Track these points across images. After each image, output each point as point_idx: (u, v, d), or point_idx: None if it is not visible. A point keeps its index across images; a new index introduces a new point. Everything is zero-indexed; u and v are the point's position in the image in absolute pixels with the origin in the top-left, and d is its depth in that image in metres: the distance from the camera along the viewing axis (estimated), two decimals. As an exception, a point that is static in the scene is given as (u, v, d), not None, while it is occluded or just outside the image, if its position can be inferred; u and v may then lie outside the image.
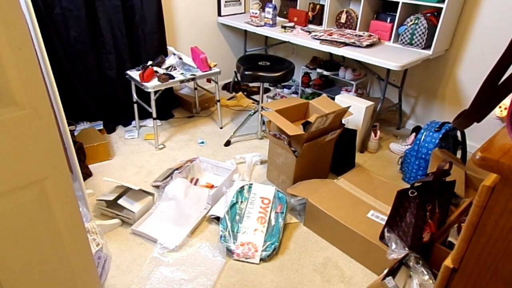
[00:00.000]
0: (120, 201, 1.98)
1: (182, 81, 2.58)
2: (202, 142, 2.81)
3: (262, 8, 3.31)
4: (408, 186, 1.52)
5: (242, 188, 2.06)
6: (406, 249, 1.52)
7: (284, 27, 3.09)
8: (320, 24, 3.16)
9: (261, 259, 1.79)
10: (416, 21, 2.48)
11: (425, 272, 1.46)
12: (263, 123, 2.91)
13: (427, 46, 2.52)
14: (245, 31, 3.66)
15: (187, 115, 3.23)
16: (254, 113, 2.97)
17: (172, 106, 3.29)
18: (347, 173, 2.18)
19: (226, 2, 3.47)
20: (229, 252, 1.81)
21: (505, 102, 2.45)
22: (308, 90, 3.44)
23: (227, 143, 2.80)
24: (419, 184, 1.52)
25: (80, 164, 2.21)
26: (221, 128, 3.04)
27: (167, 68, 2.68)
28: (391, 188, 2.03)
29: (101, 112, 2.85)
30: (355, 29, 2.89)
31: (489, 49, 2.49)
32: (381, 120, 3.20)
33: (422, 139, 2.26)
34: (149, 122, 3.05)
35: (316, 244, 1.91)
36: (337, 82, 3.49)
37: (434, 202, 1.57)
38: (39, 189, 0.88)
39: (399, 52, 2.53)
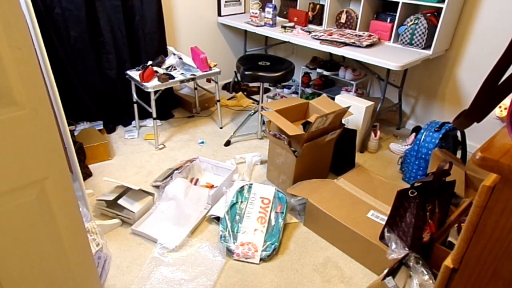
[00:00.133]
0: (120, 201, 1.98)
1: (182, 81, 2.58)
2: (202, 142, 2.81)
3: (262, 8, 3.31)
4: (408, 186, 1.52)
5: (242, 188, 2.06)
6: (406, 249, 1.52)
7: (284, 27, 3.09)
8: (320, 24, 3.16)
9: (261, 259, 1.79)
10: (416, 21, 2.48)
11: (425, 272, 1.46)
12: (263, 123, 2.91)
13: (427, 46, 2.52)
14: (245, 31, 3.66)
15: (187, 115, 3.23)
16: (254, 113, 2.97)
17: (172, 106, 3.29)
18: (347, 173, 2.18)
19: (226, 2, 3.47)
20: (229, 252, 1.81)
21: (505, 102, 2.45)
22: (308, 90, 3.44)
23: (227, 143, 2.80)
24: (419, 184, 1.52)
25: (80, 164, 2.21)
26: (221, 128, 3.04)
27: (167, 68, 2.68)
28: (391, 188, 2.03)
29: (101, 112, 2.85)
30: (355, 29, 2.89)
31: (489, 49, 2.49)
32: (381, 120, 3.20)
33: (422, 139, 2.26)
34: (149, 122, 3.05)
35: (316, 244, 1.91)
36: (337, 82, 3.49)
37: (434, 202, 1.57)
38: (39, 189, 0.88)
39: (399, 52, 2.53)
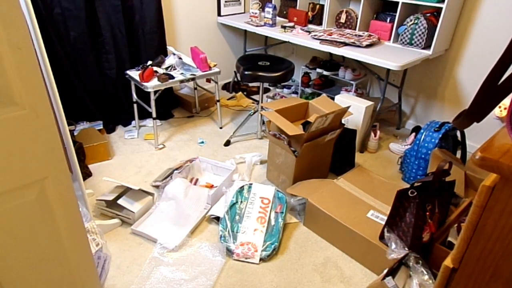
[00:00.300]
0: (120, 201, 1.98)
1: (182, 81, 2.58)
2: (202, 142, 2.81)
3: (262, 8, 3.31)
4: (408, 186, 1.53)
5: (242, 188, 2.06)
6: (406, 249, 1.52)
7: (284, 27, 3.09)
8: (320, 24, 3.16)
9: (261, 259, 1.79)
10: (416, 21, 2.48)
11: (425, 272, 1.46)
12: (263, 123, 2.91)
13: (427, 46, 2.52)
14: (245, 31, 3.66)
15: (187, 115, 3.23)
16: (254, 113, 2.97)
17: (172, 106, 3.29)
18: (347, 173, 2.18)
19: (226, 2, 3.47)
20: (229, 252, 1.81)
21: (505, 102, 2.45)
22: (308, 90, 3.44)
23: (227, 143, 2.80)
24: (419, 184, 1.52)
25: (80, 164, 2.21)
26: (221, 128, 3.04)
27: (167, 68, 2.68)
28: (390, 188, 2.03)
29: (101, 112, 2.85)
30: (355, 29, 2.89)
31: (489, 49, 2.49)
32: (381, 120, 3.20)
33: (421, 139, 2.26)
34: (149, 122, 3.05)
35: (316, 244, 1.91)
36: (337, 82, 3.49)
37: (434, 202, 1.57)
38: (39, 189, 0.88)
39: (399, 52, 2.53)
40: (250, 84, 3.70)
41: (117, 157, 2.58)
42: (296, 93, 3.64)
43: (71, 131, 2.43)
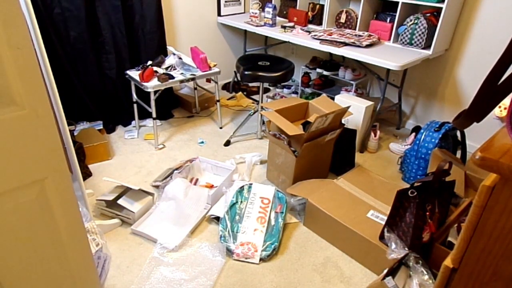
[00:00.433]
0: (119, 201, 1.98)
1: (182, 81, 2.58)
2: (202, 142, 2.81)
3: (262, 8, 3.31)
4: (408, 186, 1.53)
5: (241, 188, 2.06)
6: (406, 249, 1.52)
7: (284, 27, 3.09)
8: (320, 24, 3.16)
9: (261, 259, 1.79)
10: (416, 21, 2.48)
11: (425, 272, 1.46)
12: (263, 123, 2.91)
13: (427, 46, 2.52)
14: (245, 31, 3.66)
15: (187, 115, 3.23)
16: (254, 113, 2.97)
17: (172, 106, 3.29)
18: (347, 173, 2.18)
19: (226, 2, 3.47)
20: (229, 252, 1.81)
21: (505, 102, 2.45)
22: (308, 90, 3.44)
23: (227, 143, 2.80)
24: (418, 184, 1.52)
25: (80, 164, 2.21)
26: (221, 128, 3.04)
27: (167, 68, 2.68)
28: (390, 188, 2.03)
29: (101, 112, 2.85)
30: (355, 29, 2.89)
31: (489, 49, 2.49)
32: (381, 120, 3.20)
33: (421, 139, 2.26)
34: (149, 122, 3.05)
35: (316, 244, 1.91)
36: (337, 82, 3.49)
37: (434, 202, 1.57)
38: (39, 189, 0.88)
39: (399, 52, 2.53)
40: (250, 84, 3.70)
41: (117, 157, 2.58)
42: (296, 93, 3.64)
43: (71, 131, 2.43)
